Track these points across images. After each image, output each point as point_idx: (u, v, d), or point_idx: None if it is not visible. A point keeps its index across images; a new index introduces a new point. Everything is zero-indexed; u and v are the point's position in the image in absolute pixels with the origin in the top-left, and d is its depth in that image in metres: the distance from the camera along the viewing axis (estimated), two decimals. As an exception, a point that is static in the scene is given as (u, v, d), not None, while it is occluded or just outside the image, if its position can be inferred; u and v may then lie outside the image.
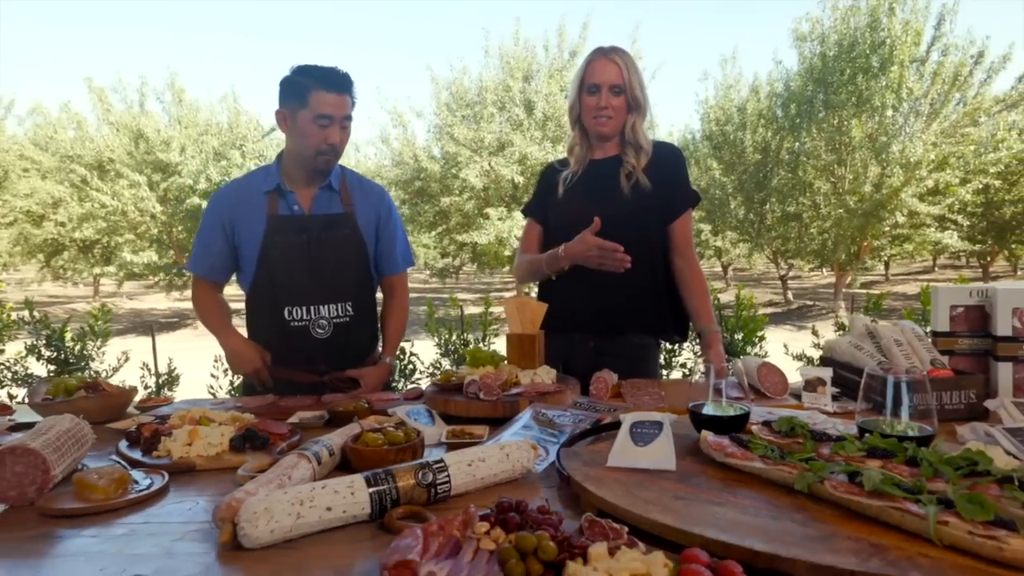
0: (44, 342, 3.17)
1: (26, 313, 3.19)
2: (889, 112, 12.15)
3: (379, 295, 2.06)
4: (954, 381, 1.36)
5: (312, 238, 1.80)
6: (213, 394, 3.31)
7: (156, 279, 15.68)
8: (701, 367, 1.18)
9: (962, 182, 12.39)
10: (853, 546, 0.71)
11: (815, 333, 3.20)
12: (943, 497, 0.75)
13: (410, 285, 2.10)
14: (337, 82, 1.71)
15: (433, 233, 15.31)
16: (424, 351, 3.37)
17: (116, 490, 1.00)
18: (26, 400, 2.77)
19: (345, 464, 1.11)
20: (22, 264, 20.73)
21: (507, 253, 13.91)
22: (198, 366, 3.83)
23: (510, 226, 13.35)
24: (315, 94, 1.69)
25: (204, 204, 13.38)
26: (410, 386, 3.03)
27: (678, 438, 1.08)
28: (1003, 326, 1.43)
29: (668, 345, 3.26)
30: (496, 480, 1.02)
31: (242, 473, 1.06)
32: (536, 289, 2.02)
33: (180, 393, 3.42)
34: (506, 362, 1.68)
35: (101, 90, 14.42)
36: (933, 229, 13.02)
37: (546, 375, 1.58)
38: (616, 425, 1.17)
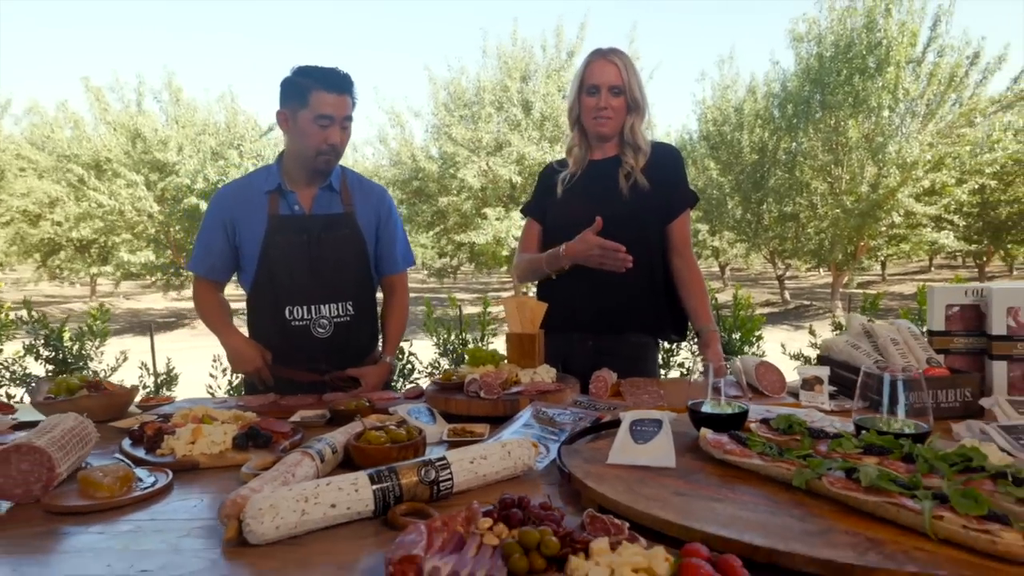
0: (42, 342, 3.17)
1: (24, 313, 3.19)
2: (885, 113, 12.19)
3: (379, 295, 2.07)
4: (950, 379, 1.37)
5: (313, 238, 1.81)
6: (212, 394, 3.32)
7: (153, 279, 15.64)
8: (699, 366, 1.19)
9: (958, 182, 12.44)
10: (850, 540, 0.72)
11: (812, 333, 3.22)
12: (938, 492, 0.76)
13: (408, 285, 2.11)
14: (337, 83, 1.72)
15: (431, 233, 15.32)
16: (423, 351, 3.38)
17: (121, 488, 1.00)
18: (25, 400, 2.78)
19: (348, 462, 1.12)
20: (18, 264, 20.67)
21: (505, 253, 13.93)
22: (196, 366, 3.83)
23: (508, 226, 13.36)
24: (316, 94, 1.70)
25: (202, 204, 13.38)
26: (408, 386, 3.03)
27: (677, 436, 1.10)
28: (998, 325, 1.44)
29: (666, 344, 3.28)
30: (498, 477, 1.03)
31: (246, 471, 1.06)
32: (535, 289, 2.03)
33: (179, 393, 3.42)
34: (506, 361, 1.69)
35: (98, 89, 14.39)
36: (929, 229, 13.08)
37: (546, 374, 1.59)
38: (616, 423, 1.18)
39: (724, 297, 3.60)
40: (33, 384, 3.07)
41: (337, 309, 1.86)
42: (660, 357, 3.24)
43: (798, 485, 0.87)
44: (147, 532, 0.89)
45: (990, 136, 12.13)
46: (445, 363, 3.42)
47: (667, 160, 1.89)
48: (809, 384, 1.51)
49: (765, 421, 1.13)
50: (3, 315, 3.29)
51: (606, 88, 1.81)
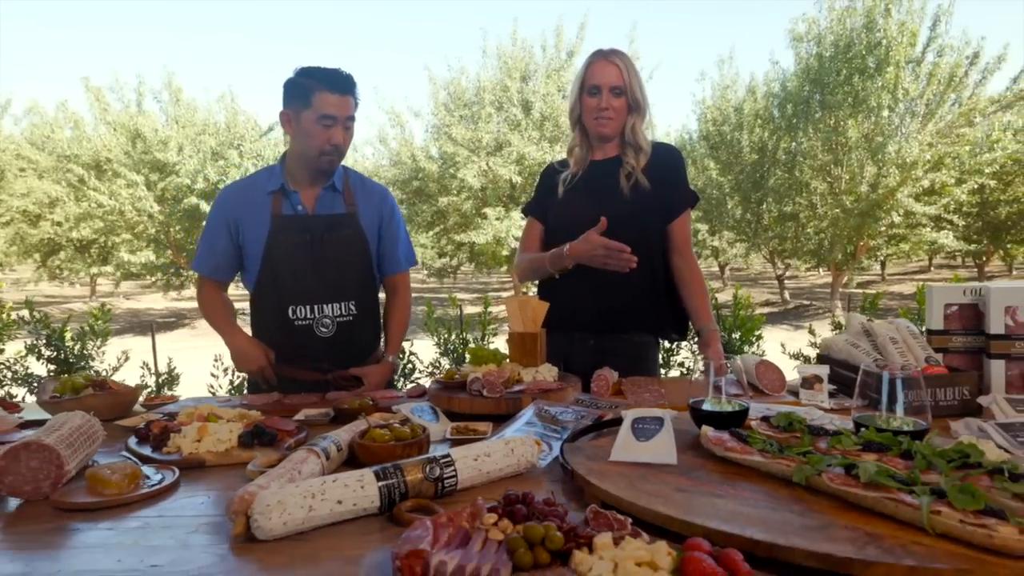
0: (44, 342, 3.18)
1: (26, 313, 3.20)
2: (885, 112, 12.20)
3: (382, 295, 2.08)
4: (948, 378, 1.39)
5: (316, 238, 1.83)
6: (213, 393, 3.33)
7: (153, 279, 15.65)
8: (700, 365, 1.20)
9: (957, 182, 12.46)
10: (849, 535, 0.73)
11: (812, 332, 3.23)
12: (936, 488, 0.77)
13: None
14: (340, 83, 1.74)
15: (431, 233, 15.34)
16: (423, 351, 3.39)
17: (129, 485, 1.02)
18: (26, 399, 2.79)
19: (352, 460, 1.14)
20: (18, 264, 20.68)
21: (505, 253, 13.94)
22: (197, 366, 3.84)
23: (508, 226, 13.38)
24: (318, 95, 1.71)
25: (202, 204, 13.39)
26: (409, 385, 3.04)
27: (679, 433, 1.11)
28: (996, 324, 1.46)
29: (667, 344, 3.29)
30: (501, 475, 1.04)
31: (252, 468, 1.07)
32: (534, 288, 2.04)
33: (180, 392, 3.43)
34: (508, 360, 1.70)
35: (98, 89, 14.40)
36: (929, 229, 13.10)
37: (548, 373, 1.60)
38: (618, 421, 1.20)
39: (724, 297, 3.61)
40: (36, 384, 3.10)
41: (340, 309, 1.87)
42: (660, 356, 3.25)
43: (798, 481, 0.88)
44: (156, 528, 0.90)
45: (989, 136, 12.15)
46: (446, 363, 3.43)
47: (668, 160, 1.91)
48: (809, 383, 1.52)
49: (765, 419, 1.14)
50: (5, 315, 3.30)
51: (607, 89, 1.82)
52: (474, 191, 14.10)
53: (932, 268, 25.37)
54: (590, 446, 1.11)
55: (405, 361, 3.31)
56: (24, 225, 16.23)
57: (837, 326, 3.25)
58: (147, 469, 1.10)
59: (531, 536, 0.72)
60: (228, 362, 3.04)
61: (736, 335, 3.19)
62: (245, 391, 3.25)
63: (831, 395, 1.52)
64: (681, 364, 3.35)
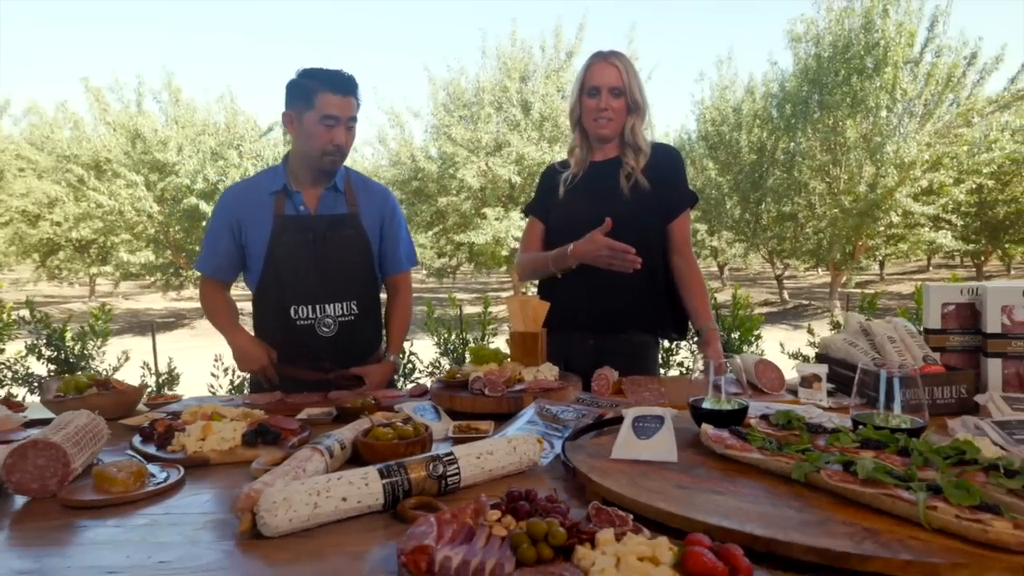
0: (44, 342, 3.18)
1: (26, 313, 3.21)
2: (883, 113, 12.23)
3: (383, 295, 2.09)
4: (945, 376, 1.40)
5: (318, 238, 1.84)
6: (213, 393, 3.34)
7: (153, 279, 15.64)
8: (700, 364, 1.22)
9: (956, 182, 12.49)
10: (847, 530, 0.75)
11: (811, 332, 3.24)
12: (932, 484, 0.78)
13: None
14: (342, 84, 1.75)
15: (430, 233, 15.34)
16: (423, 350, 3.40)
17: (135, 483, 1.03)
18: (27, 399, 2.80)
19: (355, 458, 1.15)
20: (17, 264, 20.66)
21: (504, 253, 13.95)
22: (197, 366, 3.85)
23: (507, 226, 13.39)
24: (321, 96, 1.72)
25: (201, 204, 13.39)
26: (409, 385, 3.06)
27: (679, 431, 1.12)
28: (993, 323, 1.47)
29: (666, 343, 3.30)
30: (504, 472, 1.05)
31: (256, 467, 1.09)
32: (534, 288, 2.05)
33: (180, 392, 3.45)
34: (509, 359, 1.71)
35: (98, 90, 14.39)
36: (927, 229, 13.12)
37: (549, 372, 1.62)
38: (618, 420, 1.21)
39: (723, 297, 3.62)
40: (37, 384, 3.11)
41: (342, 308, 1.88)
42: (660, 356, 3.26)
43: (797, 478, 0.89)
44: (162, 525, 0.91)
45: (987, 136, 12.18)
46: (446, 362, 3.44)
47: (667, 160, 1.92)
48: (808, 381, 1.54)
49: (764, 417, 1.15)
50: (5, 315, 3.30)
51: (607, 89, 1.83)
52: (473, 191, 14.11)
53: (931, 268, 25.41)
54: (591, 444, 1.12)
55: (405, 361, 3.32)
56: (23, 225, 16.23)
57: (836, 326, 3.26)
58: (152, 467, 1.11)
59: (534, 532, 0.73)
60: (228, 362, 3.05)
61: (735, 335, 3.20)
62: (246, 391, 3.27)
63: (829, 394, 1.53)
64: (680, 364, 3.36)
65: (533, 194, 2.12)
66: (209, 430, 1.22)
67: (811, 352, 3.19)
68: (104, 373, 3.23)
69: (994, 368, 1.47)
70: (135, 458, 1.15)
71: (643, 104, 1.88)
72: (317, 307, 1.85)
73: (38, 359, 3.19)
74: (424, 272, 18.60)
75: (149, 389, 3.48)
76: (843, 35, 12.60)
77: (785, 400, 1.54)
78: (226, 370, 3.33)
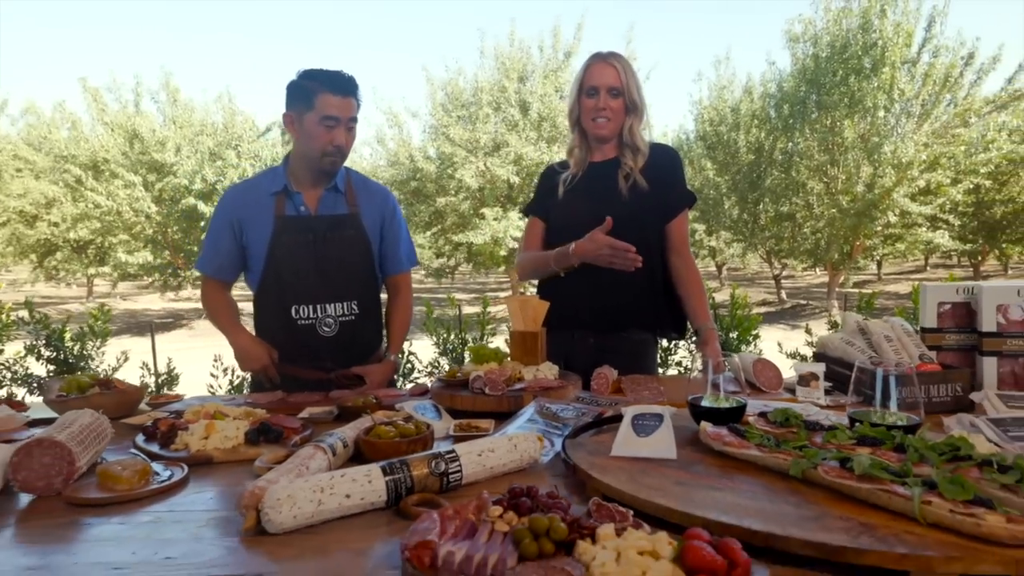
0: (44, 342, 3.19)
1: (25, 313, 3.21)
2: (881, 113, 12.26)
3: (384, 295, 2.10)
4: (941, 375, 1.41)
5: (318, 238, 1.85)
6: (213, 392, 3.34)
7: (151, 280, 15.62)
8: (698, 363, 1.23)
9: (953, 182, 12.52)
10: (844, 525, 0.76)
11: (808, 332, 3.25)
12: (927, 480, 0.80)
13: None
14: (342, 85, 1.76)
15: (429, 233, 15.35)
16: (422, 350, 3.41)
17: (139, 481, 1.04)
18: (27, 400, 2.80)
19: (358, 456, 1.16)
20: (14, 265, 20.62)
21: (503, 253, 13.96)
22: (196, 366, 3.86)
23: (505, 226, 13.40)
24: (321, 97, 1.73)
25: (199, 204, 13.37)
26: (409, 385, 3.06)
27: (678, 430, 1.13)
28: (988, 322, 1.48)
29: (665, 343, 3.31)
30: (505, 470, 1.06)
31: (259, 464, 1.10)
32: (532, 288, 2.06)
33: (181, 392, 3.45)
34: (509, 359, 1.72)
35: (96, 90, 14.36)
36: (925, 229, 13.15)
37: (548, 371, 1.63)
38: (618, 418, 1.22)
39: (721, 297, 3.63)
40: (36, 384, 3.11)
41: (342, 308, 1.89)
42: (659, 356, 3.28)
43: (794, 474, 0.91)
44: (167, 522, 0.92)
45: (984, 136, 12.21)
46: (445, 362, 3.45)
47: (665, 161, 1.93)
48: (805, 380, 1.55)
49: (763, 415, 1.16)
50: (4, 316, 3.31)
51: (605, 89, 1.85)
52: (472, 191, 14.12)
53: (928, 268, 25.48)
54: (591, 442, 1.14)
55: (404, 361, 3.32)
56: (21, 226, 16.19)
57: (834, 325, 3.27)
58: (156, 466, 1.12)
59: (536, 527, 0.75)
60: (228, 362, 3.06)
61: (734, 334, 3.21)
62: (245, 391, 3.28)
63: (827, 392, 1.54)
64: (679, 363, 3.38)
65: (532, 194, 2.13)
66: (212, 429, 1.23)
67: (809, 352, 3.21)
68: (104, 373, 3.23)
69: (989, 366, 1.48)
70: (139, 456, 1.16)
71: (641, 104, 1.89)
72: (318, 307, 1.86)
73: (37, 360, 3.19)
74: (423, 272, 18.61)
75: (149, 389, 3.49)
76: (841, 35, 12.63)
77: (783, 398, 1.55)
78: (225, 370, 3.34)
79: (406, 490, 0.95)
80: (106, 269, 15.57)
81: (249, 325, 1.95)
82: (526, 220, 2.09)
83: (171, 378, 3.60)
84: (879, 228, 12.98)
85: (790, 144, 13.97)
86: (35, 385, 3.17)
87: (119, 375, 3.12)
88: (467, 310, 3.76)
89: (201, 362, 3.70)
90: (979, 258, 17.86)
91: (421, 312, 3.53)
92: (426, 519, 0.79)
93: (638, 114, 1.89)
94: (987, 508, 0.72)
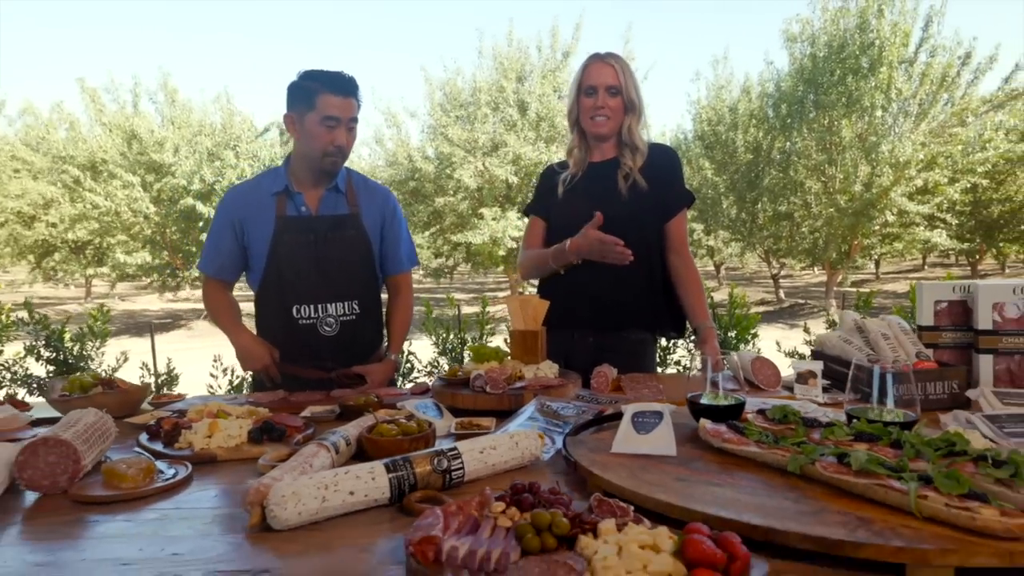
0: (43, 343, 3.19)
1: (24, 314, 3.22)
2: (878, 112, 12.30)
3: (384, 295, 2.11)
4: (938, 372, 1.43)
5: (319, 238, 1.86)
6: (212, 392, 3.35)
7: (150, 280, 15.61)
8: (697, 362, 1.24)
9: (950, 181, 12.56)
10: (842, 519, 0.77)
11: (807, 331, 3.27)
12: (923, 475, 0.81)
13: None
14: (343, 85, 1.77)
15: (427, 233, 15.35)
16: (421, 350, 3.42)
17: (144, 479, 1.05)
18: (27, 400, 2.80)
19: (360, 454, 1.17)
20: (11, 265, 20.58)
21: (501, 253, 13.97)
22: (195, 366, 3.86)
23: (504, 226, 13.40)
24: (322, 97, 1.74)
25: (198, 205, 13.36)
26: (408, 385, 3.07)
27: (677, 427, 1.14)
28: (984, 320, 1.50)
29: (663, 342, 3.33)
30: (506, 467, 1.07)
31: (263, 463, 1.11)
32: (531, 287, 2.08)
33: (181, 392, 3.46)
34: (509, 357, 1.73)
35: (94, 90, 14.34)
36: (922, 228, 13.19)
37: (549, 370, 1.64)
38: (618, 416, 1.23)
39: (720, 296, 3.65)
40: (36, 384, 3.11)
41: (343, 308, 1.90)
42: (658, 355, 3.29)
43: (793, 470, 0.92)
44: (173, 519, 0.93)
45: (982, 135, 12.25)
46: (444, 362, 3.46)
47: (664, 160, 1.95)
48: (803, 378, 1.56)
49: (761, 412, 1.17)
50: (4, 317, 3.31)
51: (603, 88, 1.86)
52: (470, 191, 14.12)
53: (926, 267, 25.53)
54: (592, 439, 1.15)
55: (404, 360, 3.33)
56: (18, 227, 16.16)
57: (832, 324, 3.29)
58: (160, 464, 1.12)
59: (538, 522, 0.76)
60: (228, 362, 3.07)
61: (732, 333, 3.23)
62: (245, 391, 3.29)
63: (825, 390, 1.56)
64: (677, 363, 3.39)
65: (531, 194, 2.15)
66: (215, 427, 1.24)
67: (807, 351, 3.22)
68: (104, 374, 3.23)
69: (985, 364, 1.50)
70: (143, 455, 1.17)
71: (639, 104, 1.90)
72: (319, 307, 1.87)
73: (37, 360, 3.20)
74: (421, 272, 18.63)
75: (151, 389, 3.49)
76: (838, 35, 12.66)
77: (781, 396, 1.56)
78: (225, 370, 3.35)
79: (409, 487, 0.96)
80: (104, 270, 15.55)
81: (250, 325, 1.96)
82: (527, 220, 2.11)
83: (171, 378, 3.60)
84: (877, 227, 13.01)
85: (788, 144, 14.00)
86: (35, 386, 3.18)
87: (119, 375, 3.13)
88: (466, 310, 3.77)
89: (200, 362, 3.71)
90: (977, 257, 17.91)
91: (420, 312, 3.54)
92: (429, 515, 0.80)
93: (636, 114, 1.91)
94: (982, 502, 0.73)
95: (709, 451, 1.06)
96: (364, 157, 17.63)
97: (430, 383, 1.74)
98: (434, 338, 3.48)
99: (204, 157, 14.01)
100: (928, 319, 1.60)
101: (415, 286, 2.14)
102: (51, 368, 3.21)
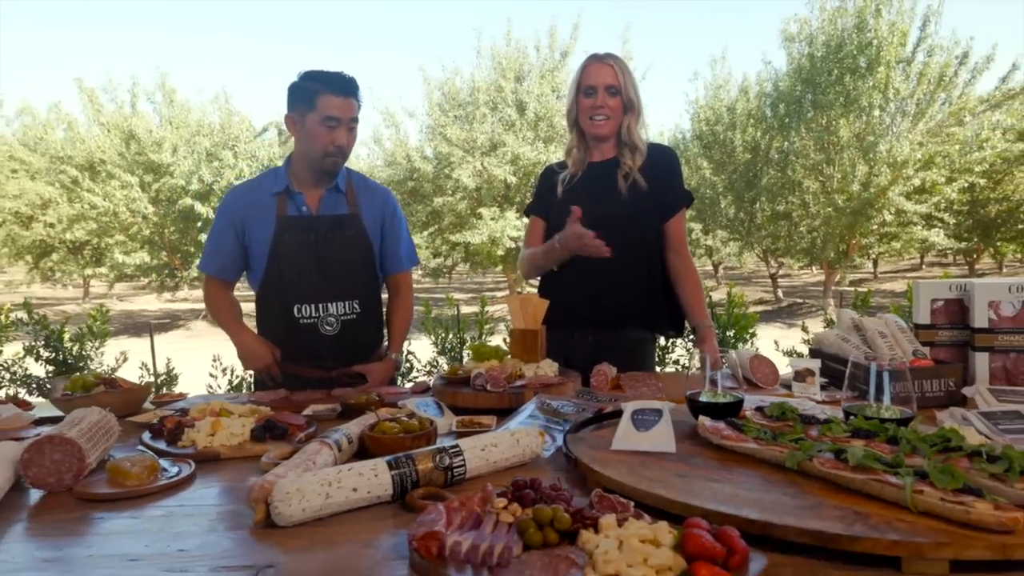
0: (43, 343, 3.20)
1: (23, 315, 3.22)
2: (876, 112, 12.34)
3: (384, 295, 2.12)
4: (934, 370, 1.44)
5: (320, 238, 1.86)
6: (212, 392, 3.36)
7: (148, 280, 15.59)
8: (696, 361, 1.25)
9: (948, 181, 12.60)
10: (839, 514, 0.78)
11: (805, 330, 3.29)
12: (919, 470, 0.82)
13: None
14: (343, 86, 1.78)
15: (426, 233, 15.36)
16: (420, 350, 3.43)
17: (148, 477, 1.06)
18: (27, 398, 2.81)
19: (362, 452, 1.18)
20: (9, 266, 20.55)
21: (500, 253, 13.98)
22: (194, 366, 3.87)
23: (503, 226, 13.42)
24: (323, 98, 1.75)
25: (196, 205, 13.35)
26: (408, 385, 3.08)
27: (676, 424, 1.15)
28: (980, 318, 1.51)
29: (662, 342, 3.34)
30: (507, 464, 1.08)
31: (266, 460, 1.12)
32: (529, 287, 2.09)
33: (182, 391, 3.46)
34: (509, 356, 1.74)
35: (91, 90, 14.31)
36: (920, 227, 13.23)
37: (548, 368, 1.65)
38: (617, 413, 1.24)
39: (718, 295, 3.67)
40: (35, 385, 3.12)
41: (344, 307, 1.91)
42: (656, 354, 3.30)
43: (790, 466, 0.93)
44: (178, 516, 0.94)
45: (979, 135, 12.29)
46: (443, 362, 3.47)
47: (663, 160, 1.96)
48: (801, 376, 1.57)
49: (759, 409, 1.19)
50: (3, 317, 3.31)
51: (603, 88, 1.87)
52: (469, 191, 14.13)
53: (923, 266, 25.60)
54: (592, 436, 1.16)
55: (403, 360, 3.34)
56: (16, 227, 16.14)
57: (830, 323, 3.31)
58: (164, 462, 1.13)
59: (540, 518, 0.77)
60: (227, 362, 3.08)
61: (731, 332, 3.24)
62: (244, 390, 3.29)
63: (822, 387, 1.57)
64: (676, 362, 3.40)
65: (530, 195, 2.16)
66: (218, 426, 1.25)
67: (805, 350, 3.24)
68: (105, 374, 3.24)
69: (981, 362, 1.51)
70: (147, 453, 1.18)
71: (638, 104, 1.91)
72: (320, 306, 1.88)
73: (36, 360, 3.20)
74: (420, 272, 18.64)
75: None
76: (836, 35, 12.70)
77: (779, 394, 1.58)
78: (224, 370, 3.35)
79: (411, 484, 0.97)
80: (103, 270, 15.54)
81: (251, 324, 1.97)
82: (526, 220, 2.12)
83: (170, 378, 3.61)
84: (875, 227, 13.05)
85: (786, 143, 14.03)
86: (34, 386, 3.19)
87: (119, 375, 3.14)
88: (464, 310, 3.78)
89: (199, 362, 3.72)
90: (974, 256, 17.97)
91: (419, 312, 3.55)
92: (432, 511, 0.81)
93: (635, 113, 1.92)
94: (976, 496, 0.74)
95: (708, 448, 1.08)
96: (363, 157, 17.64)
97: (430, 382, 1.75)
98: (433, 338, 3.49)
99: (202, 157, 14.01)
100: (925, 317, 1.61)
101: (414, 286, 2.15)
102: (50, 368, 3.21)
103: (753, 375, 1.67)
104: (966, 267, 19.40)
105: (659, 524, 0.74)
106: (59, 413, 1.55)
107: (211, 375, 3.34)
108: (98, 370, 3.27)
